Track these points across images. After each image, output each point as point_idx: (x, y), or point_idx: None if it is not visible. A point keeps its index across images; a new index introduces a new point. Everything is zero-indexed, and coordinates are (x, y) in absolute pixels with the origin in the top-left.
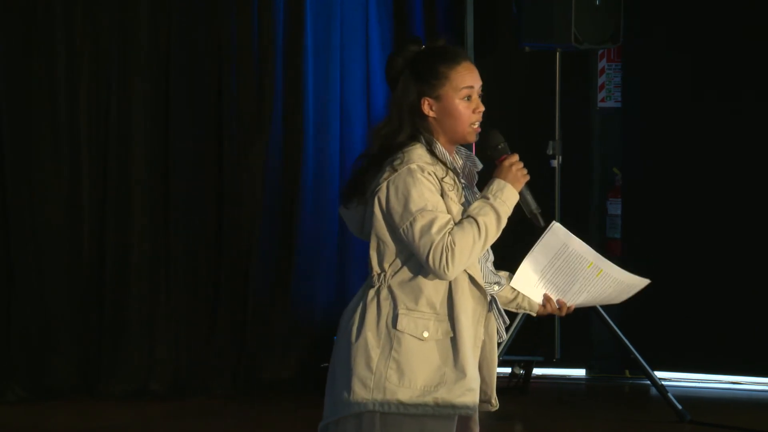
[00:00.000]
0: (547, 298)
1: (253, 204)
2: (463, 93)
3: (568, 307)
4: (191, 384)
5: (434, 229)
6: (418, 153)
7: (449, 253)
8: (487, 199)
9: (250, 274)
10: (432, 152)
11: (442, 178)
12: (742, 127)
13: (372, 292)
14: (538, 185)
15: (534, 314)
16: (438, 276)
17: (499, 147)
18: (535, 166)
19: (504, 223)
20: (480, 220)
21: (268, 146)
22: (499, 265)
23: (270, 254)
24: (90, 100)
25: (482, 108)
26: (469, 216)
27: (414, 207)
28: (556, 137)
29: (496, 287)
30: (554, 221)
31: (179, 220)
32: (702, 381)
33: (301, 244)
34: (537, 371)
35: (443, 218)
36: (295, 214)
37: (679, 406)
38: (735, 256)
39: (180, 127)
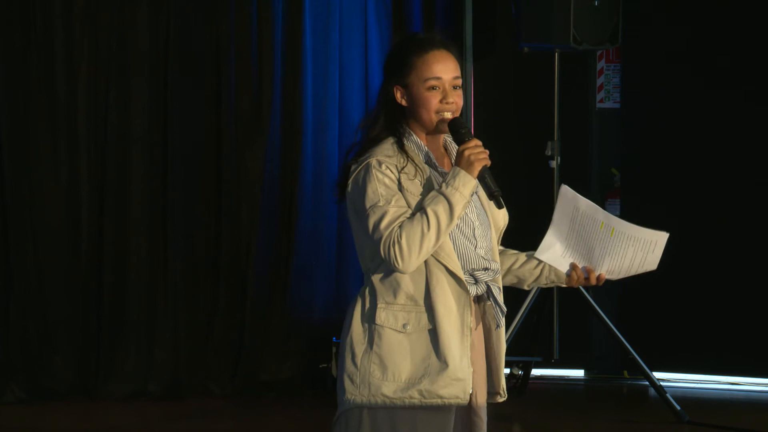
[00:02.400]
0: (573, 267)
1: (251, 204)
2: (429, 84)
3: (598, 276)
4: (190, 385)
5: (383, 224)
6: (383, 147)
7: (396, 247)
8: (440, 188)
9: (249, 274)
10: (401, 145)
11: (402, 168)
12: (741, 127)
13: (362, 290)
14: (537, 186)
15: (564, 284)
16: (395, 269)
17: (463, 132)
18: (534, 166)
19: (458, 209)
20: (429, 210)
21: (266, 146)
22: (520, 244)
23: (268, 255)
24: (89, 101)
25: (453, 99)
26: (421, 207)
27: (367, 203)
28: (555, 138)
29: (483, 274)
30: (562, 184)
31: (178, 221)
32: (700, 382)
33: (300, 245)
34: (536, 372)
35: (394, 212)
36: (293, 214)
37: (678, 407)
38: (734, 257)
39: (178, 128)
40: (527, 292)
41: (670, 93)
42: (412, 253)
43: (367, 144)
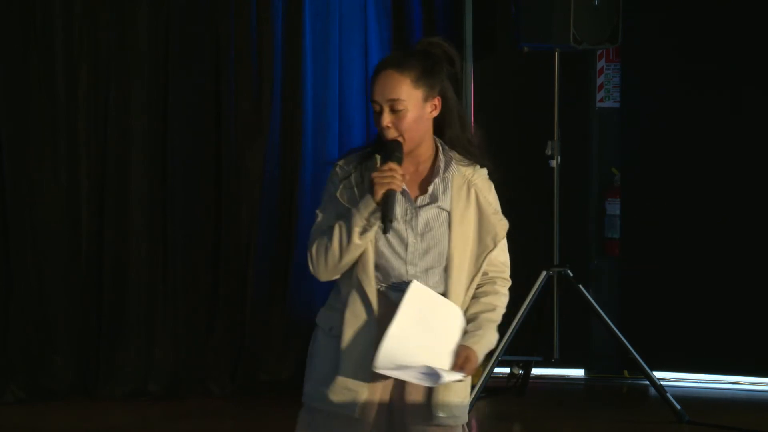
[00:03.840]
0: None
1: (251, 204)
2: (374, 106)
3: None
4: (190, 384)
5: (312, 229)
6: (360, 152)
7: (308, 255)
8: (346, 221)
9: (249, 274)
10: (369, 154)
11: (348, 176)
12: (741, 126)
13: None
14: (537, 185)
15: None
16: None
17: (391, 157)
18: (534, 166)
19: (356, 230)
20: (336, 226)
21: (266, 146)
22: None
23: (268, 254)
24: (88, 102)
25: (385, 122)
26: (332, 228)
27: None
28: (555, 137)
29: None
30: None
31: (177, 221)
32: (701, 381)
33: (300, 245)
34: (536, 371)
35: (319, 221)
36: (293, 214)
37: (678, 407)
38: (734, 257)
39: (178, 127)
40: (527, 292)
41: (670, 93)
42: (319, 263)
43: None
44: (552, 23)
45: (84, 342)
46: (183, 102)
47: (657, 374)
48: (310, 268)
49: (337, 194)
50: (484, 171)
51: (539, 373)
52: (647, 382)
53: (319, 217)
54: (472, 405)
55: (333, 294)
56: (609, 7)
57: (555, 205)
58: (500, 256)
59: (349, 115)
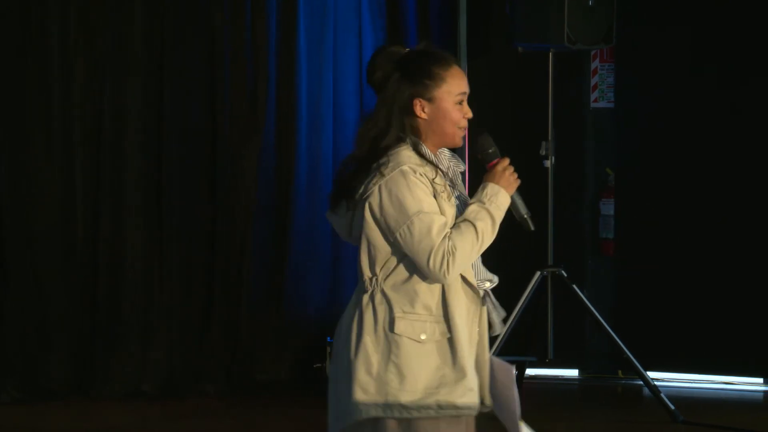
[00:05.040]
0: None
1: (246, 204)
2: (459, 98)
3: None
4: (186, 384)
5: (434, 232)
6: (407, 155)
7: (450, 258)
8: (483, 203)
9: (244, 274)
10: (420, 153)
11: (433, 179)
12: (736, 126)
13: (366, 297)
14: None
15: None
16: (437, 279)
17: (490, 151)
18: (528, 166)
19: (497, 228)
20: (478, 224)
21: (261, 147)
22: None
23: (264, 254)
24: (83, 101)
25: (470, 114)
26: (466, 220)
27: (410, 210)
28: (549, 137)
29: (488, 284)
30: (513, 367)
31: (173, 221)
32: (695, 381)
33: (295, 244)
34: (530, 371)
35: (440, 220)
36: (288, 214)
37: (672, 407)
38: (728, 257)
39: (173, 128)
40: (521, 292)
41: (664, 92)
42: (462, 264)
43: (380, 152)
44: (546, 23)
45: (81, 342)
46: (178, 102)
47: (651, 374)
48: (448, 271)
49: (442, 194)
50: None
51: (533, 374)
52: (641, 383)
53: (436, 219)
54: None
55: (398, 301)
56: (603, 7)
57: (549, 205)
58: None
59: (344, 114)
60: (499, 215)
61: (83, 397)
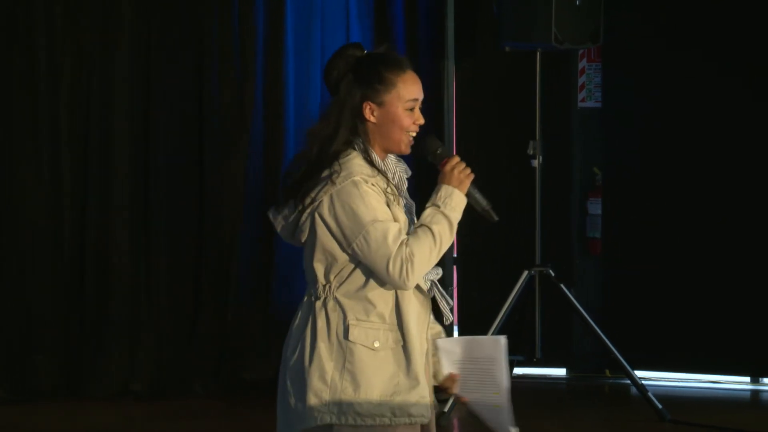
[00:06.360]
0: (451, 379)
1: (234, 205)
2: (410, 104)
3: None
4: (173, 384)
5: (390, 239)
6: (358, 164)
7: (409, 264)
8: (438, 206)
9: (231, 274)
10: (370, 161)
11: (385, 189)
12: (722, 125)
13: (319, 304)
14: (519, 185)
15: (434, 380)
16: (398, 287)
17: (438, 152)
18: (516, 165)
19: (455, 229)
20: (435, 228)
21: (249, 147)
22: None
23: (251, 254)
24: (71, 99)
25: (422, 121)
26: (422, 225)
27: (364, 219)
28: (537, 137)
29: (435, 275)
30: (503, 337)
31: (160, 221)
32: (682, 380)
33: (282, 244)
34: (518, 371)
35: (395, 227)
36: None
37: (659, 406)
38: (715, 256)
39: (161, 128)
40: (509, 292)
41: (651, 92)
42: (422, 270)
43: (329, 158)
44: (534, 23)
45: (67, 341)
46: (165, 102)
47: (638, 373)
48: (407, 278)
49: (394, 202)
50: None
51: (521, 373)
52: (629, 382)
53: (391, 227)
54: (453, 405)
55: (352, 308)
56: (591, 6)
57: (537, 204)
58: None
59: None
60: (456, 216)
61: (71, 397)
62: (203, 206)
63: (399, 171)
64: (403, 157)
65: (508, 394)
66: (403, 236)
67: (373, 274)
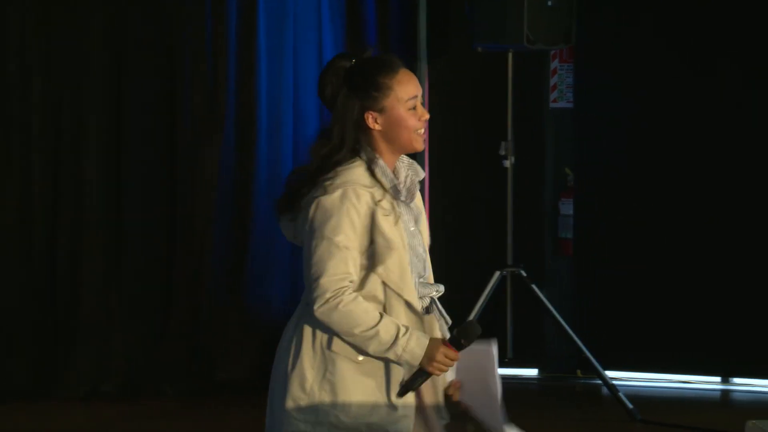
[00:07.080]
0: (454, 386)
1: (206, 205)
2: (410, 103)
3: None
4: (145, 385)
5: (330, 264)
6: (358, 172)
7: (335, 314)
8: (397, 343)
9: (204, 274)
10: (372, 171)
11: (379, 201)
12: (694, 126)
13: (309, 310)
14: (490, 185)
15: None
16: (308, 303)
17: (463, 342)
18: (488, 166)
19: (382, 352)
20: (382, 329)
21: (221, 148)
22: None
23: (223, 255)
24: (42, 100)
25: (427, 115)
26: (383, 314)
27: (327, 231)
28: (509, 138)
29: (435, 292)
30: (494, 344)
31: (132, 221)
32: (653, 380)
33: (255, 244)
34: None
35: (345, 262)
36: (248, 213)
37: (630, 405)
38: (686, 256)
39: (133, 128)
40: (480, 292)
41: (623, 93)
42: (338, 328)
43: (331, 165)
44: (506, 23)
45: (38, 343)
46: (137, 103)
47: (609, 373)
48: (323, 318)
49: (378, 220)
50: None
51: None
52: (600, 382)
53: (348, 258)
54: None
55: None
56: (563, 7)
57: (508, 205)
58: None
59: (304, 114)
60: (394, 357)
61: (42, 399)
62: (175, 206)
63: (410, 174)
64: (415, 158)
65: (501, 397)
66: (353, 276)
67: (363, 286)
